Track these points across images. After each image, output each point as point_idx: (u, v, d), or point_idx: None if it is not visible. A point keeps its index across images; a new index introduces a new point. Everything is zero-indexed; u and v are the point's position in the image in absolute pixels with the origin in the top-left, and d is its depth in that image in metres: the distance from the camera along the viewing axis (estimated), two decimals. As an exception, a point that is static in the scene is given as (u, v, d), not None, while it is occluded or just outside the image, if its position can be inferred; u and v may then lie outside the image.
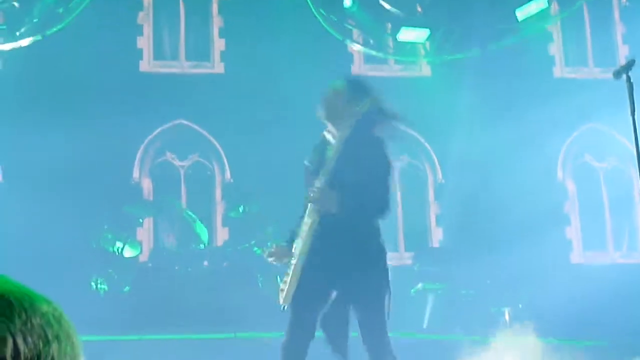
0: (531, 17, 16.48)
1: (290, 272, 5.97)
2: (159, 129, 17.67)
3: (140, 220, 16.41)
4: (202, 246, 14.42)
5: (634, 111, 6.02)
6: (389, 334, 6.00)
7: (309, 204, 5.99)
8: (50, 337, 1.23)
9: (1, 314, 1.20)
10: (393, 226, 17.69)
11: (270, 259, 6.25)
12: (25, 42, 15.22)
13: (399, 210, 18.13)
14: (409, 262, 15.55)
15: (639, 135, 6.01)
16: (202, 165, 18.00)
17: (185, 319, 12.31)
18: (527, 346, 8.99)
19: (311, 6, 16.64)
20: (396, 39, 16.98)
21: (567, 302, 13.03)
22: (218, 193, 17.73)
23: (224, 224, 17.14)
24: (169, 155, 17.90)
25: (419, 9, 16.86)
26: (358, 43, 17.39)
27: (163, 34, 18.41)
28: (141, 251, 15.29)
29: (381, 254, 6.01)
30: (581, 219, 18.55)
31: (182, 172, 17.93)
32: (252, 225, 14.53)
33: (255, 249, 14.11)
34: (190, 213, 14.98)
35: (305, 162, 6.25)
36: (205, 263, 14.12)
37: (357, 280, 5.85)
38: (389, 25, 17.19)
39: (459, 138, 17.02)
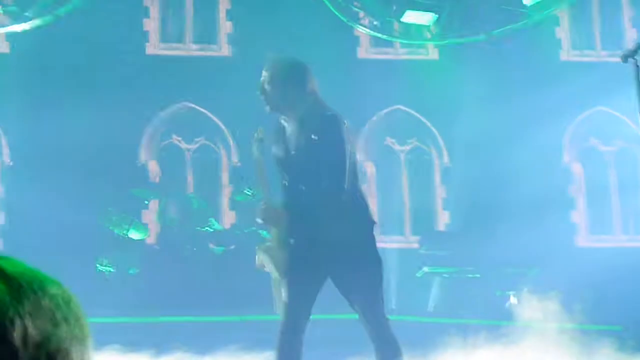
0: (539, 1, 16.37)
1: (274, 286, 6.03)
2: (165, 112, 17.66)
3: (146, 203, 16.42)
4: (207, 228, 14.43)
5: (641, 95, 5.99)
6: (394, 318, 5.99)
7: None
8: (59, 319, 1.23)
9: (10, 296, 1.20)
10: (399, 210, 17.69)
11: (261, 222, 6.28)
12: (35, 22, 15.17)
13: (405, 194, 18.13)
14: (416, 245, 15.55)
15: (645, 119, 5.99)
16: (209, 149, 17.99)
17: (191, 302, 12.34)
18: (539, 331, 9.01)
19: (318, -12, 16.59)
20: (402, 22, 16.91)
21: (572, 286, 13.03)
22: (225, 176, 17.73)
23: (230, 207, 17.14)
24: (175, 138, 17.90)
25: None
26: (364, 26, 17.34)
27: (170, 17, 18.38)
28: (148, 234, 15.31)
29: (362, 230, 5.96)
30: (587, 202, 18.53)
31: (188, 155, 17.93)
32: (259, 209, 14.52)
33: (262, 231, 14.12)
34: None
35: (272, 150, 6.19)
36: (211, 245, 14.14)
37: (346, 262, 5.83)
38: (395, 8, 17.12)
39: (465, 121, 17.00)
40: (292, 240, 5.91)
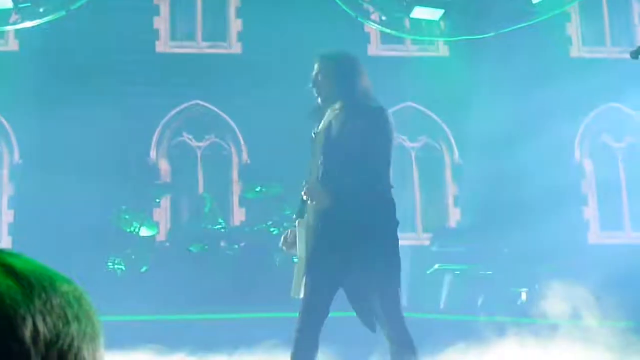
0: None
1: (296, 265, 6.04)
2: (175, 110, 17.68)
3: (157, 201, 16.43)
4: (218, 227, 14.44)
5: (651, 91, 5.99)
6: (405, 315, 6.00)
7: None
8: (70, 317, 1.23)
9: (21, 294, 1.20)
10: (411, 207, 17.69)
11: (284, 248, 6.30)
12: (47, 18, 15.14)
13: (417, 191, 18.13)
14: (427, 242, 15.56)
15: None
16: (219, 146, 18.01)
17: (202, 299, 12.35)
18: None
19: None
20: (412, 18, 16.86)
21: (584, 283, 12.99)
22: (235, 174, 17.74)
23: (240, 205, 17.15)
24: (185, 136, 17.92)
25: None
26: (374, 22, 17.31)
27: (180, 14, 18.39)
28: (158, 231, 15.32)
29: (388, 227, 5.99)
30: (598, 199, 18.50)
31: (198, 152, 17.94)
32: (269, 206, 14.55)
33: (272, 229, 14.14)
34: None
35: (312, 134, 6.26)
36: (222, 243, 14.16)
37: (369, 259, 5.85)
38: (404, 3, 17.07)
39: (475, 118, 16.97)
40: (320, 224, 5.92)
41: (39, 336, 1.18)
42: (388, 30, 16.99)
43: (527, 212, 16.15)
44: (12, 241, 16.26)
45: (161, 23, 18.10)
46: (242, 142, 17.69)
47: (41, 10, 14.66)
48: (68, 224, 14.80)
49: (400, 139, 18.32)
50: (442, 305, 14.00)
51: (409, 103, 18.17)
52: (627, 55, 6.25)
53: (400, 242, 6.09)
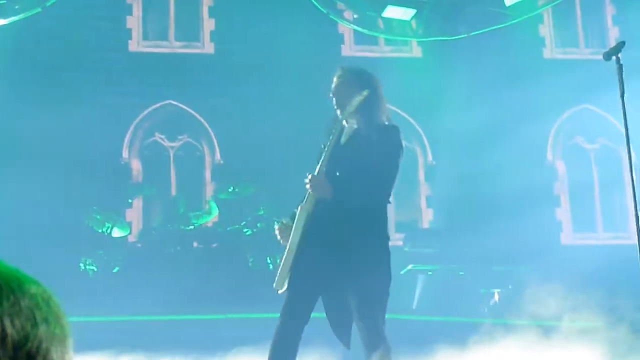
0: (520, 2, 16.31)
1: (284, 257, 6.00)
2: (148, 110, 17.63)
3: (130, 201, 16.39)
4: (191, 227, 14.42)
5: (624, 93, 6.03)
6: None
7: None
8: (38, 319, 1.21)
9: (-12, 296, 1.18)
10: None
11: (279, 237, 6.28)
12: (22, 15, 15.03)
13: (389, 192, 18.15)
14: (400, 243, 15.57)
15: (628, 117, 6.02)
16: (192, 146, 17.97)
17: (175, 300, 12.31)
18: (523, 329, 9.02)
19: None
20: (384, 17, 16.86)
21: (557, 284, 13.05)
22: (208, 174, 17.71)
23: (213, 205, 17.13)
24: (158, 136, 17.87)
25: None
26: (347, 21, 17.32)
27: (152, 14, 18.35)
28: (130, 232, 15.27)
29: (379, 239, 6.02)
30: (571, 200, 18.59)
31: (171, 153, 17.90)
32: (242, 207, 14.53)
33: (245, 230, 14.13)
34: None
35: (322, 145, 6.30)
36: (195, 244, 14.13)
37: (356, 265, 5.84)
38: (376, 2, 17.07)
39: (449, 119, 17.02)
40: (316, 214, 5.99)
41: (6, 338, 1.16)
42: (359, 29, 17.01)
43: (500, 213, 16.19)
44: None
45: (134, 22, 18.05)
46: (215, 142, 17.66)
47: (17, 7, 14.59)
48: (39, 225, 14.71)
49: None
50: (414, 306, 14.02)
51: (383, 104, 18.16)
52: (601, 57, 6.27)
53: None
